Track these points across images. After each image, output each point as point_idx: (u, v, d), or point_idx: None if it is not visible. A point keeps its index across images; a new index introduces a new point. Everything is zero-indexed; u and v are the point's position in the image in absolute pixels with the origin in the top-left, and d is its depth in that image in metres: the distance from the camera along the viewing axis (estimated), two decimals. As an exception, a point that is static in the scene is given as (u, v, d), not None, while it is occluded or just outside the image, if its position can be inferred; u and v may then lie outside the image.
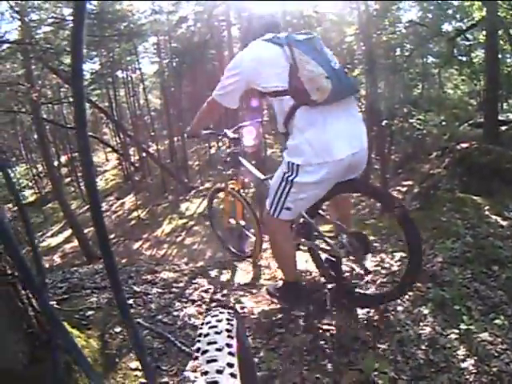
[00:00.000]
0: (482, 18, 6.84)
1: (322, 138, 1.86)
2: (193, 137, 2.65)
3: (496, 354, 1.85)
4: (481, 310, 2.18)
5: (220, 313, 1.07)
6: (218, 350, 0.89)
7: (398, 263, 2.81)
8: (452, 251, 2.82)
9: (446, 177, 5.79)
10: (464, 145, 6.35)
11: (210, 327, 0.99)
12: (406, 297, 2.33)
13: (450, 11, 7.49)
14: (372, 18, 6.77)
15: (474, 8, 7.61)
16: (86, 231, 10.33)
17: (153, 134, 18.63)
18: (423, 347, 1.91)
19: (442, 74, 12.07)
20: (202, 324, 1.03)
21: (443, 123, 9.21)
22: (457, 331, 2.01)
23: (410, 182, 7.39)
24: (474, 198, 3.96)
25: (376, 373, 1.72)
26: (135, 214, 12.78)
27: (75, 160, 19.92)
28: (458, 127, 9.20)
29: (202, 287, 2.63)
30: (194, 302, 2.43)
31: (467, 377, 1.73)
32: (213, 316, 1.05)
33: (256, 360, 1.81)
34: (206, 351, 0.89)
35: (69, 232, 10.80)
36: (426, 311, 2.19)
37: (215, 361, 0.85)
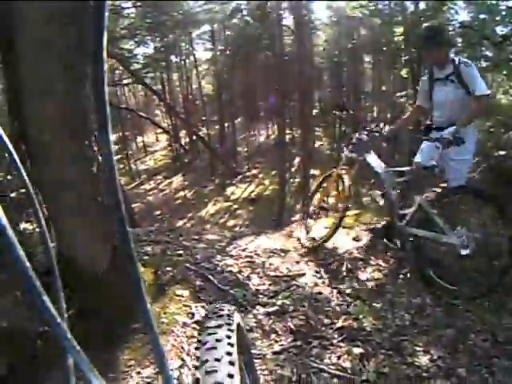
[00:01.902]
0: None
1: None
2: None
3: (474, 331, 2.15)
4: (471, 294, 2.45)
5: (221, 308, 1.12)
6: (218, 340, 0.94)
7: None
8: (458, 242, 3.12)
9: (477, 181, 5.91)
10: (501, 152, 6.39)
11: (211, 319, 1.05)
12: (405, 270, 2.72)
13: (498, 16, 7.39)
14: (420, 19, 6.85)
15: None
16: (132, 206, 11.16)
17: (204, 118, 19.16)
18: (411, 312, 2.30)
19: (494, 79, 11.68)
20: (205, 318, 1.10)
21: (491, 129, 9.06)
22: (443, 304, 2.37)
23: (448, 185, 7.46)
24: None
25: (366, 323, 2.17)
26: (182, 193, 13.43)
27: (126, 138, 21.30)
28: (503, 134, 9.04)
29: (240, 247, 3.21)
30: (232, 256, 3.01)
31: (444, 342, 2.06)
32: (214, 311, 1.11)
33: (273, 300, 2.34)
34: (206, 342, 0.95)
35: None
36: (420, 285, 2.56)
37: (215, 348, 0.91)
